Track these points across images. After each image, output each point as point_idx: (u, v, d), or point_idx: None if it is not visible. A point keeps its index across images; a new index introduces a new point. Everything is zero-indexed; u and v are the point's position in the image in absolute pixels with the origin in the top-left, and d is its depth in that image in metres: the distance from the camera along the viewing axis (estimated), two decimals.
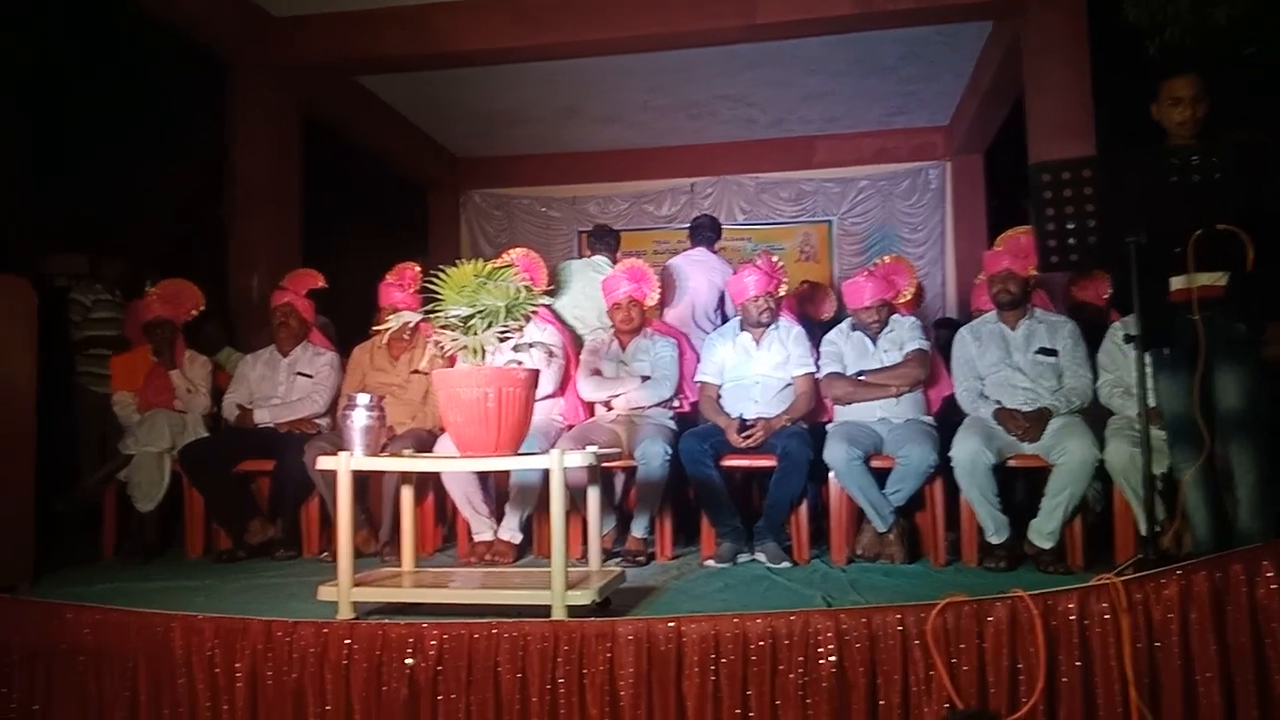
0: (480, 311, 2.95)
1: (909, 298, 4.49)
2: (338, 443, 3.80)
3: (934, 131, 8.41)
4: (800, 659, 2.43)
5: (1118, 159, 2.84)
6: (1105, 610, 2.40)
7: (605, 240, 5.15)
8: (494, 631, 2.49)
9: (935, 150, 8.48)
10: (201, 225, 6.77)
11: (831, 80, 7.23)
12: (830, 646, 2.42)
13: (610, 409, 4.22)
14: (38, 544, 3.65)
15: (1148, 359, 2.91)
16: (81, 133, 7.00)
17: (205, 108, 6.63)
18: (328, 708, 2.56)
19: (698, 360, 4.33)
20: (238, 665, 2.64)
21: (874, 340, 4.09)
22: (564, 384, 4.30)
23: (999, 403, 3.79)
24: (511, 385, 2.86)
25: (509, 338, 3.05)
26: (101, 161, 6.88)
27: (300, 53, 6.28)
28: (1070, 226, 2.80)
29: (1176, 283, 2.94)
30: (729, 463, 3.91)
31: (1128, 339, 2.89)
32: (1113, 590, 2.40)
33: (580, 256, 5.79)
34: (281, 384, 4.46)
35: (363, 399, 3.02)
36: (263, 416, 4.37)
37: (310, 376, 4.47)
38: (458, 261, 2.98)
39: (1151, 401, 2.91)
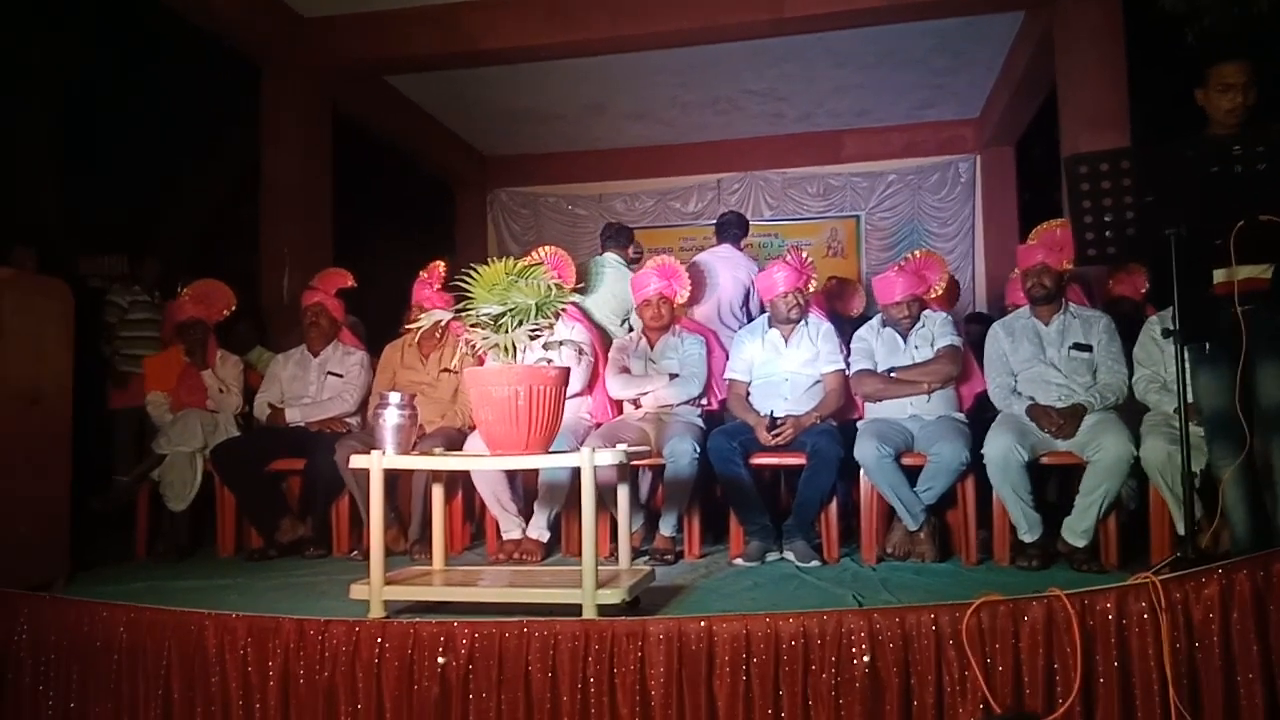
0: (511, 309, 2.95)
1: (940, 293, 4.44)
2: (368, 441, 3.82)
3: (963, 124, 8.33)
4: (833, 659, 2.40)
5: (1157, 150, 2.78)
6: (1144, 610, 2.35)
7: (617, 238, 5.15)
8: (525, 630, 2.48)
9: (965, 143, 8.39)
10: (233, 226, 6.84)
11: (860, 73, 7.17)
12: (863, 646, 2.39)
13: (638, 407, 4.21)
14: (72, 543, 3.70)
15: (1187, 353, 2.85)
16: (115, 135, 7.09)
17: (237, 109, 6.70)
18: (359, 706, 2.57)
19: (726, 357, 4.30)
20: (270, 664, 2.65)
21: (905, 336, 4.04)
22: (592, 382, 4.29)
23: (1032, 399, 3.74)
24: (542, 383, 2.85)
25: (539, 335, 3.05)
26: (134, 164, 6.97)
27: (330, 54, 6.32)
28: (1108, 219, 2.75)
29: (1219, 275, 2.88)
30: (758, 460, 3.88)
31: (1166, 333, 2.84)
32: (1151, 589, 2.35)
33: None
34: (312, 383, 4.49)
35: (395, 398, 3.02)
36: (294, 415, 4.40)
37: (341, 376, 4.49)
38: (490, 260, 2.97)
39: (1189, 397, 2.85)
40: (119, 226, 6.82)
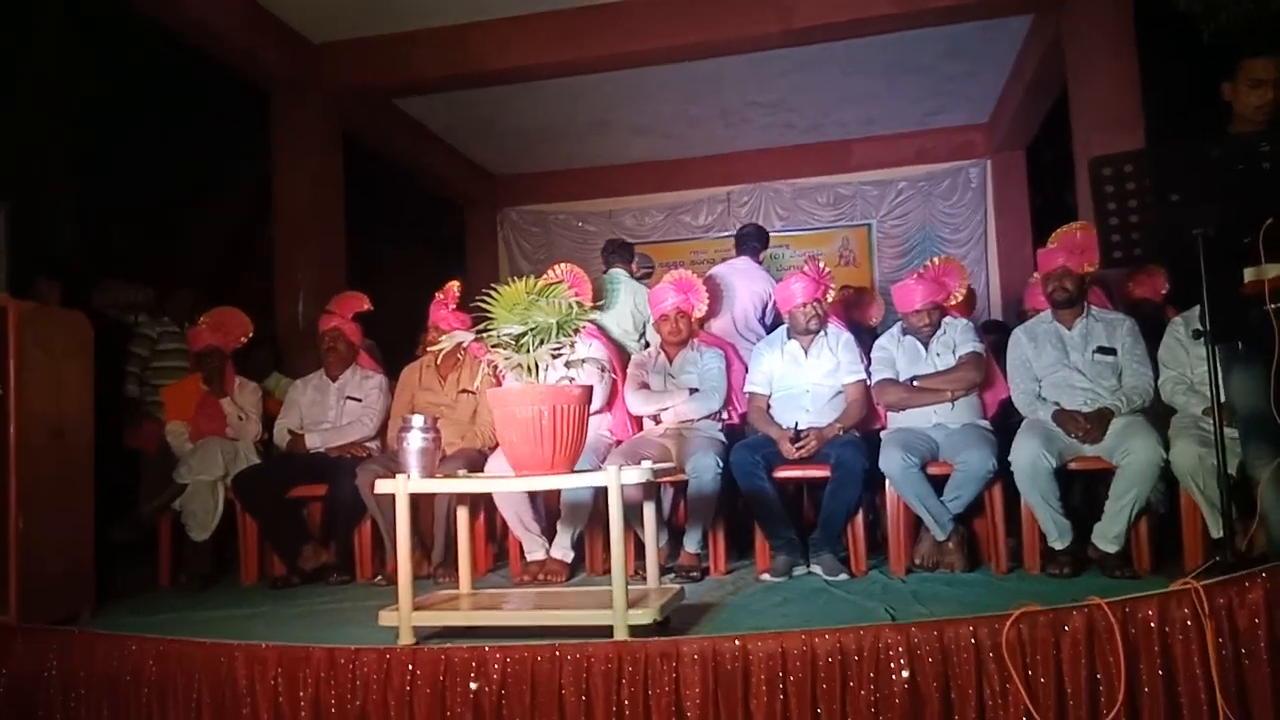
0: (532, 329, 2.93)
1: (960, 299, 4.41)
2: (390, 465, 3.81)
3: (974, 129, 8.31)
4: (871, 675, 2.37)
5: (1181, 149, 2.75)
6: (1187, 616, 2.31)
7: (620, 253, 5.15)
8: (557, 653, 2.46)
9: (975, 148, 8.37)
10: (247, 252, 6.85)
11: (868, 81, 7.17)
12: (902, 661, 2.35)
13: (659, 423, 4.19)
14: (97, 575, 3.69)
15: (1218, 354, 2.81)
16: (128, 166, 7.13)
17: (249, 135, 6.73)
18: None
19: (745, 371, 4.28)
20: (301, 694, 2.63)
21: (926, 344, 4.01)
22: (611, 399, 4.27)
23: (1057, 404, 3.70)
24: (566, 402, 2.83)
25: (561, 354, 3.03)
26: (147, 193, 7.00)
27: (339, 78, 6.36)
28: (1134, 220, 2.73)
29: (1248, 274, 2.84)
30: (782, 474, 3.85)
31: (1196, 334, 2.81)
32: (1194, 595, 2.31)
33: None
34: (331, 408, 4.48)
35: (418, 420, 3.01)
36: (314, 441, 4.39)
37: (359, 400, 4.48)
38: (509, 280, 2.96)
39: (1221, 398, 2.82)
40: (134, 257, 6.85)
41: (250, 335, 4.74)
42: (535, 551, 3.96)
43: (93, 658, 2.85)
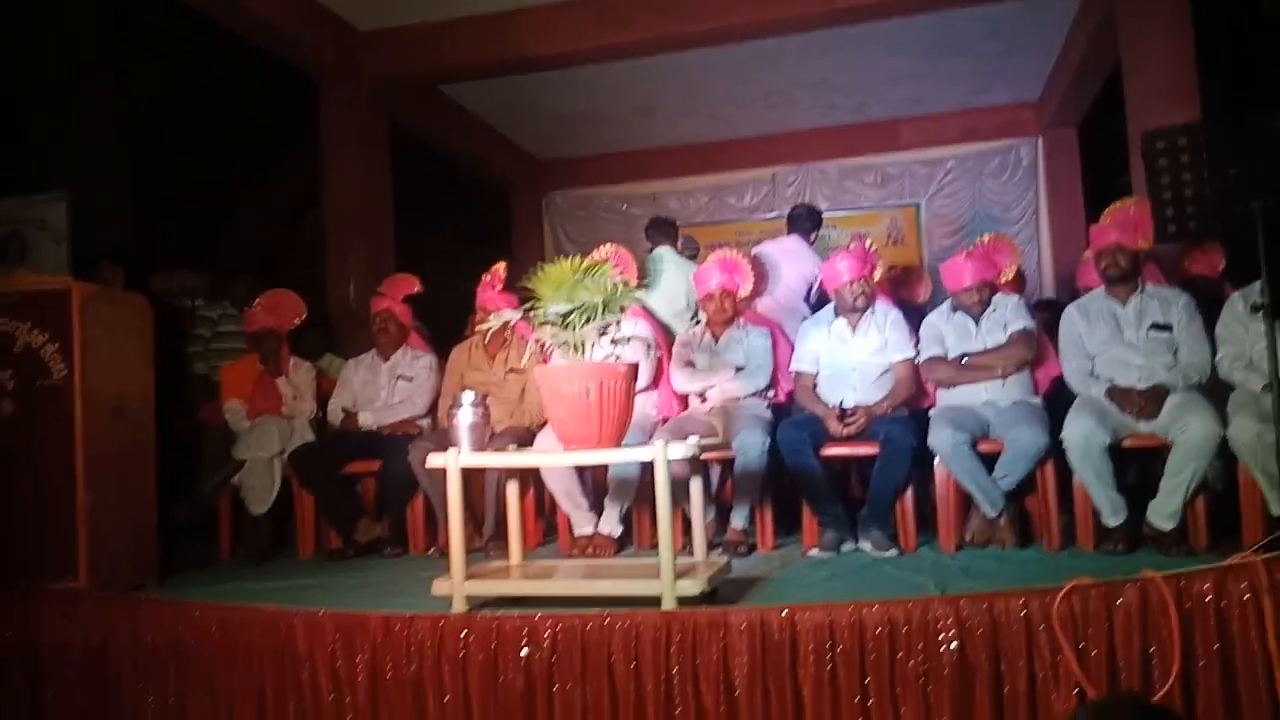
0: (579, 307, 2.97)
1: (1011, 277, 4.36)
2: (441, 442, 3.87)
3: (1023, 107, 8.17)
4: (920, 646, 2.38)
5: (1237, 121, 2.71)
6: (1244, 590, 2.29)
7: (664, 230, 5.16)
8: (607, 622, 2.50)
9: (1026, 126, 8.23)
10: (298, 236, 6.98)
11: (914, 61, 7.08)
12: (951, 633, 2.36)
13: (705, 400, 4.20)
14: (160, 549, 3.81)
15: (1277, 329, 2.76)
16: (179, 153, 7.30)
17: (299, 124, 6.85)
18: (446, 699, 2.61)
19: (791, 349, 4.28)
20: (358, 659, 2.70)
21: (976, 321, 3.98)
22: (657, 377, 4.30)
23: (1111, 381, 3.65)
24: (613, 379, 2.87)
25: (607, 332, 3.07)
26: (201, 183, 7.16)
27: (386, 66, 6.43)
28: (1188, 194, 2.69)
29: None
30: (829, 451, 3.85)
31: (1255, 309, 2.75)
32: (1252, 570, 2.29)
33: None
34: (383, 388, 4.58)
35: (468, 397, 3.07)
36: (366, 419, 4.48)
37: (410, 379, 4.57)
38: (558, 259, 3.01)
39: None
40: (188, 244, 7.02)
41: (304, 317, 4.85)
42: (583, 526, 4.01)
43: (159, 623, 2.96)
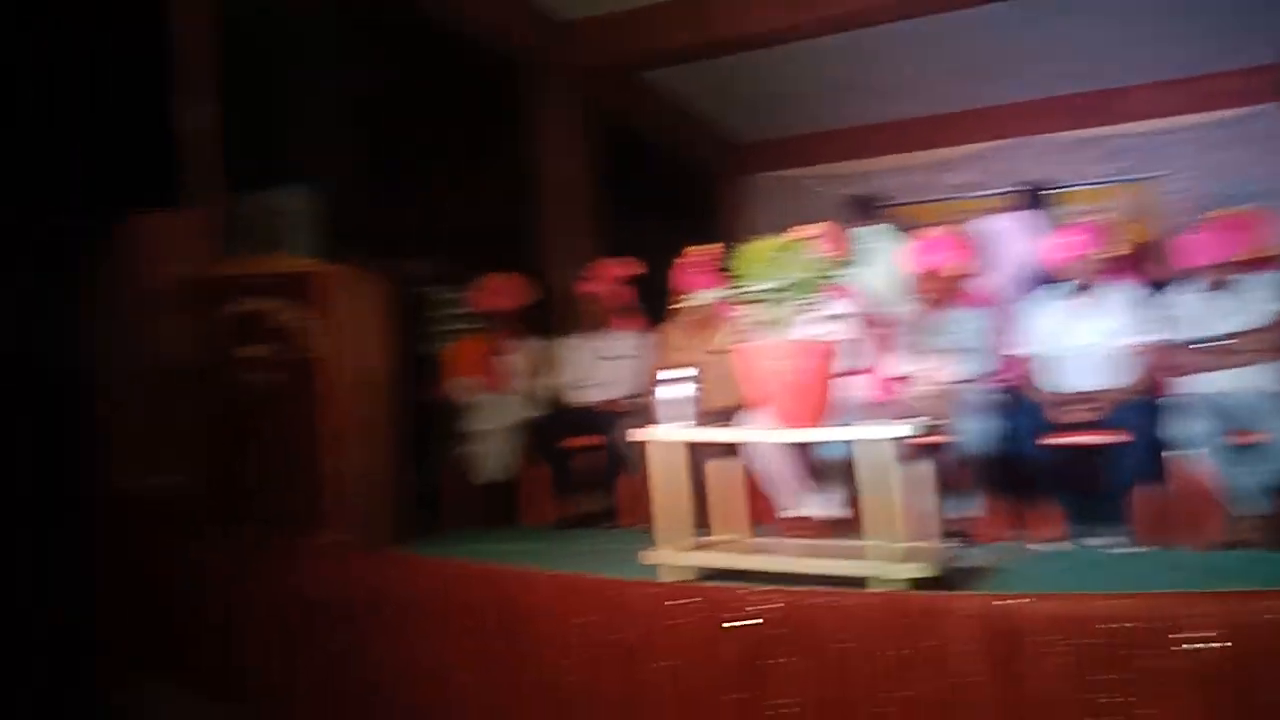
0: (782, 285, 2.95)
1: (1260, 254, 3.95)
2: (649, 419, 3.97)
3: (1270, 70, 7.33)
4: (1154, 644, 2.22)
5: None
6: None
7: (870, 208, 5.03)
8: (827, 599, 2.48)
9: (1271, 91, 7.39)
10: (512, 222, 7.32)
11: (1144, 25, 6.51)
12: (1199, 633, 2.18)
13: (919, 384, 4.07)
14: (395, 516, 4.11)
15: None
16: (405, 147, 7.79)
17: (508, 114, 7.18)
18: (659, 665, 2.67)
19: (1012, 331, 4.07)
20: (575, 621, 2.82)
21: (1218, 302, 3.64)
22: (868, 359, 4.20)
23: None
24: (817, 358, 2.84)
25: (812, 310, 3.03)
26: (427, 169, 7.63)
27: (586, 53, 6.60)
28: None
29: None
30: (1058, 440, 3.63)
31: None
32: None
33: None
34: (596, 367, 4.79)
35: (674, 374, 3.13)
36: (582, 397, 4.72)
37: (622, 359, 4.75)
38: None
39: None
40: (414, 231, 7.49)
41: (527, 299, 5.10)
42: (794, 508, 3.98)
43: (396, 578, 3.21)
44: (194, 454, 4.17)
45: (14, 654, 4.12)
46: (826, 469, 3.90)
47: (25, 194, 4.29)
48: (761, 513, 4.25)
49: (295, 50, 6.93)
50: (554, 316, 6.16)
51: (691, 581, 2.87)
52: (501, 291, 5.03)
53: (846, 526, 3.95)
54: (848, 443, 3.52)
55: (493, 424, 4.68)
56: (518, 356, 4.99)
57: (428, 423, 5.07)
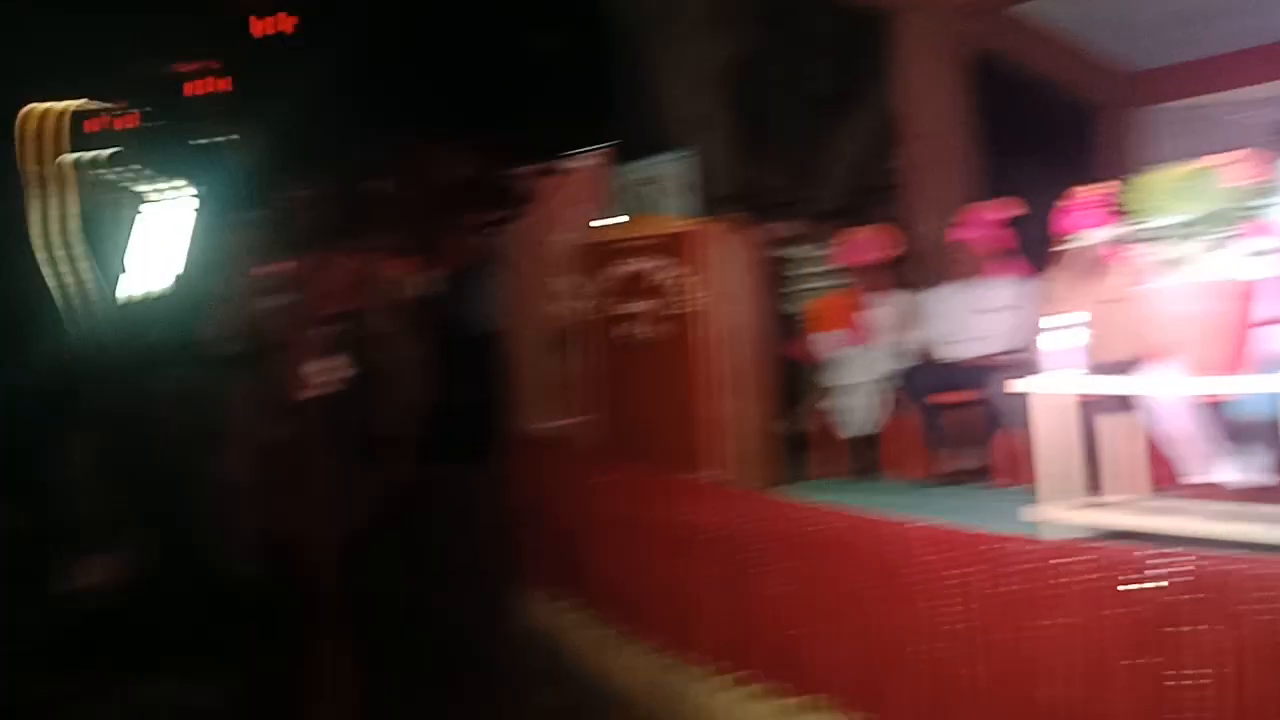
0: (1191, 220, 2.66)
1: None
2: (1033, 371, 3.77)
3: None
4: None
5: None
6: None
7: None
8: (1246, 566, 2.24)
9: None
10: (878, 172, 7.23)
11: None
12: None
13: None
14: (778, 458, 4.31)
15: None
16: (771, 106, 7.97)
17: (871, 62, 7.07)
18: (1046, 623, 2.57)
19: None
20: (952, 572, 2.79)
21: None
22: None
23: None
24: (1236, 299, 2.53)
25: (1229, 246, 2.70)
26: (791, 127, 7.79)
27: None
28: None
29: None
30: None
31: None
32: None
33: None
34: (970, 318, 4.58)
35: (1060, 320, 2.95)
36: (955, 351, 4.56)
37: (998, 311, 4.51)
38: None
39: None
40: (781, 189, 7.66)
41: (896, 251, 5.04)
42: (1202, 473, 3.57)
43: (774, 516, 3.38)
44: (588, 401, 4.67)
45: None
46: (1244, 429, 3.45)
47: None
48: (1161, 478, 3.91)
49: (670, 20, 7.38)
50: (925, 267, 6.00)
51: (1079, 540, 2.72)
52: (867, 246, 5.00)
53: (1268, 496, 3.51)
54: (1273, 398, 3.14)
55: (859, 378, 4.67)
56: (885, 310, 4.93)
57: (795, 376, 5.20)
